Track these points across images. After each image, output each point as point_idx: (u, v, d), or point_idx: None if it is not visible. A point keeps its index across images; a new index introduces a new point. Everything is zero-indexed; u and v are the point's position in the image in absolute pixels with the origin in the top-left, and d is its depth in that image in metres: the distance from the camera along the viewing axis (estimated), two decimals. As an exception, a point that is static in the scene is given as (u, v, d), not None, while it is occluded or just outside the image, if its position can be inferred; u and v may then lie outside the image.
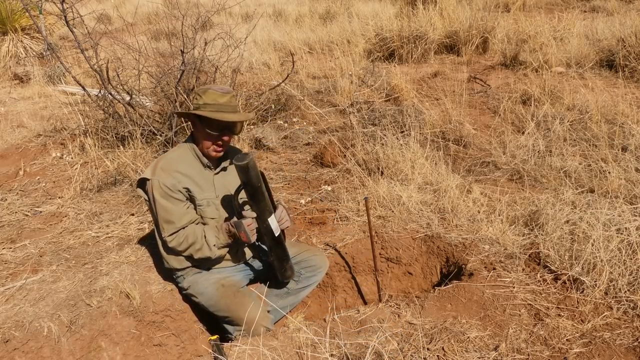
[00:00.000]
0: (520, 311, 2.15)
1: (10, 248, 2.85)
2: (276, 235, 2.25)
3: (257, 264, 2.49)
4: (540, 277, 2.35)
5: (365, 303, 2.79)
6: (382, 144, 3.71)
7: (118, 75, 4.14)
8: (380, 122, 4.36)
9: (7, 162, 4.21)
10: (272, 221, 2.22)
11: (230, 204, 2.30)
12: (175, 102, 3.94)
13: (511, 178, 3.44)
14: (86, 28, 4.18)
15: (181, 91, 3.98)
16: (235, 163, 2.06)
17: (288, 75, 4.94)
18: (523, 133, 4.02)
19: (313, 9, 10.71)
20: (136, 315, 2.34)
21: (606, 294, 2.19)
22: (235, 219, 2.22)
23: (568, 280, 2.28)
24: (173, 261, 2.31)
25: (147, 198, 2.26)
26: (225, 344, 2.12)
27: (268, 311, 2.36)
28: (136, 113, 4.09)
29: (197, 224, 2.27)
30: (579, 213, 2.65)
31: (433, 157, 3.50)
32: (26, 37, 8.25)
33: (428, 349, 1.93)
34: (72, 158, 4.10)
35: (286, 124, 4.72)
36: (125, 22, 6.49)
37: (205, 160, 2.28)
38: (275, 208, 2.31)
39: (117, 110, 4.20)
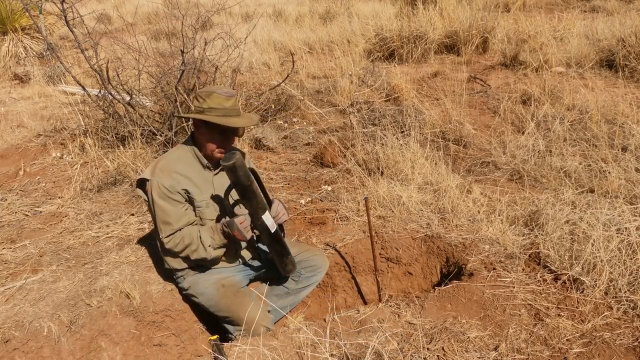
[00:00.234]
0: (520, 311, 2.15)
1: (10, 248, 2.85)
2: (272, 231, 2.22)
3: (257, 264, 2.48)
4: (540, 277, 2.35)
5: (365, 303, 2.79)
6: (382, 144, 3.71)
7: (118, 75, 4.14)
8: (380, 122, 4.36)
9: (7, 162, 4.21)
10: (267, 218, 2.20)
11: (223, 203, 2.29)
12: (175, 102, 3.94)
13: (511, 178, 3.44)
14: (86, 28, 4.18)
15: (181, 91, 3.98)
16: (222, 163, 2.05)
17: (288, 75, 4.94)
18: (523, 133, 4.02)
19: (313, 9, 10.71)
20: (136, 315, 2.34)
21: (606, 294, 2.19)
22: (227, 218, 2.21)
23: (568, 280, 2.28)
24: (172, 262, 2.31)
25: (146, 198, 2.26)
26: (225, 344, 2.12)
27: (268, 311, 2.36)
28: (136, 113, 4.09)
29: (195, 225, 2.27)
30: (579, 213, 2.65)
31: (433, 157, 3.50)
32: (26, 37, 8.25)
33: (428, 349, 1.93)
34: (72, 158, 4.10)
35: (286, 124, 4.72)
36: (125, 22, 6.49)
37: (205, 161, 2.27)
38: (270, 203, 2.30)
39: (117, 110, 4.20)
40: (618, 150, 3.48)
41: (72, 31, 4.01)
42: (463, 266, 2.54)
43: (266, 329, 2.25)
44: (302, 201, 3.26)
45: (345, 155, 3.77)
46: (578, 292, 2.21)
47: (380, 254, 2.82)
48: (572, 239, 2.48)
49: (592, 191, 3.04)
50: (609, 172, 3.09)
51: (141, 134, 3.91)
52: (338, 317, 2.20)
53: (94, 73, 4.10)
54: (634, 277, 2.21)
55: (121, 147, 3.87)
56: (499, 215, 2.83)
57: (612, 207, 2.63)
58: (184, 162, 2.24)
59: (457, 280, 2.44)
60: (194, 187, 2.22)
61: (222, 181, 2.32)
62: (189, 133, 2.38)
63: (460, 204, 3.00)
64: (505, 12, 8.88)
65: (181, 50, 4.03)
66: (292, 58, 5.26)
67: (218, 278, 2.32)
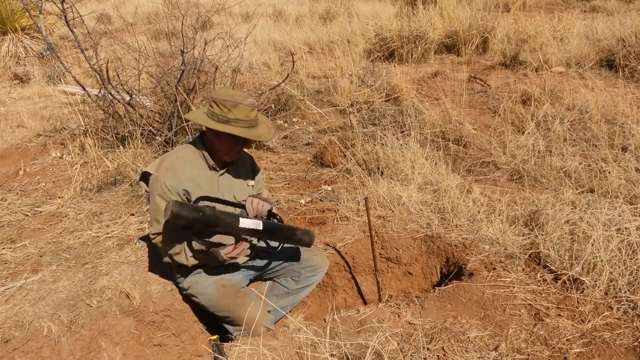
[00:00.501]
0: (520, 311, 2.15)
1: (10, 248, 2.85)
2: (260, 228, 2.16)
3: (258, 263, 2.48)
4: (540, 277, 2.35)
5: (365, 303, 2.79)
6: (382, 144, 3.71)
7: (118, 75, 4.14)
8: (380, 122, 4.36)
9: (7, 162, 4.21)
10: (245, 222, 2.13)
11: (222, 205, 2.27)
12: (175, 102, 3.94)
13: (511, 178, 3.44)
14: (86, 28, 4.18)
15: (181, 91, 3.98)
16: (164, 217, 2.01)
17: (288, 75, 4.94)
18: (523, 133, 4.02)
19: (313, 9, 10.71)
20: (136, 315, 2.34)
21: (606, 294, 2.19)
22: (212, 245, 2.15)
23: (568, 280, 2.28)
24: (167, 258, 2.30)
25: (147, 189, 2.26)
26: (225, 344, 2.12)
27: (268, 311, 2.37)
28: (136, 113, 4.09)
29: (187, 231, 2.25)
30: (579, 213, 2.65)
31: (433, 157, 3.49)
32: (26, 37, 8.25)
33: (428, 349, 1.93)
34: (72, 158, 4.10)
35: (286, 124, 4.72)
36: (125, 22, 6.49)
37: (212, 162, 2.26)
38: (243, 205, 2.24)
39: (117, 110, 4.20)
40: (618, 150, 3.48)
41: (72, 31, 4.01)
42: (463, 266, 2.54)
43: (266, 329, 2.25)
44: (302, 201, 3.26)
45: (345, 155, 3.77)
46: (578, 292, 2.21)
47: (380, 254, 2.82)
48: (572, 239, 2.48)
49: (592, 191, 3.04)
50: (609, 172, 3.09)
51: (141, 134, 3.91)
52: (338, 317, 2.20)
53: (94, 73, 4.10)
54: (634, 277, 2.21)
55: (121, 147, 3.87)
56: (499, 215, 2.83)
57: (612, 207, 2.63)
58: (190, 162, 2.23)
59: (457, 280, 2.44)
60: (196, 188, 2.21)
61: (227, 181, 2.32)
62: (197, 134, 2.36)
63: (460, 204, 3.00)
64: (505, 12, 8.89)
65: (181, 50, 4.03)
66: (292, 58, 5.27)
67: (218, 278, 2.31)
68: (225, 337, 2.32)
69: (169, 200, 2.01)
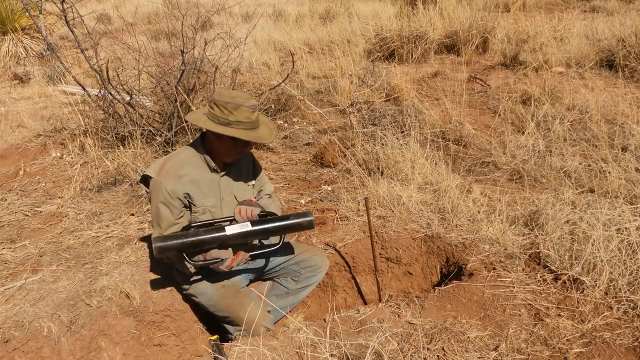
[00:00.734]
0: (520, 311, 2.15)
1: (10, 248, 2.85)
2: (250, 228, 2.13)
3: (258, 263, 2.48)
4: (540, 277, 2.35)
5: (365, 303, 2.79)
6: (382, 144, 3.71)
7: (118, 75, 4.14)
8: (380, 122, 4.36)
9: (7, 162, 4.21)
10: (232, 229, 2.10)
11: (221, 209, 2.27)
12: (175, 102, 3.94)
13: (511, 178, 3.44)
14: (86, 28, 4.18)
15: (181, 91, 3.98)
16: (156, 256, 2.02)
17: (288, 75, 4.94)
18: (523, 133, 4.02)
19: (313, 9, 10.71)
20: (136, 315, 2.34)
21: (606, 294, 2.19)
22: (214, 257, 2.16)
23: (568, 280, 2.28)
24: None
25: (147, 191, 2.26)
26: (225, 344, 2.12)
27: (268, 311, 2.36)
28: (136, 113, 4.09)
29: None
30: (579, 213, 2.65)
31: (433, 157, 3.50)
32: (26, 37, 8.25)
33: (428, 349, 1.93)
34: (72, 158, 4.10)
35: (286, 124, 4.72)
36: (125, 22, 6.48)
37: (213, 164, 2.25)
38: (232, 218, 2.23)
39: (117, 110, 4.20)
40: (618, 150, 3.48)
41: (72, 31, 4.01)
42: (463, 266, 2.54)
43: (266, 329, 2.25)
44: (302, 201, 3.26)
45: (345, 155, 3.77)
46: (578, 292, 2.21)
47: (380, 254, 2.82)
48: (572, 239, 2.48)
49: (592, 191, 3.04)
50: (609, 172, 3.09)
51: (141, 134, 3.91)
52: (338, 317, 2.20)
53: (94, 73, 4.10)
54: (634, 277, 2.21)
55: (121, 147, 3.87)
56: (499, 215, 2.83)
57: (612, 207, 2.63)
58: (191, 165, 2.21)
59: (457, 280, 2.44)
60: (198, 190, 2.20)
61: (228, 182, 2.31)
62: (198, 135, 2.35)
63: (460, 204, 3.00)
64: (505, 12, 8.89)
65: (181, 50, 4.03)
66: (292, 58, 5.27)
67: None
68: (225, 337, 2.32)
69: (152, 239, 2.00)
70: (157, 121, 4.24)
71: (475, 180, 3.40)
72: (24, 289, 2.44)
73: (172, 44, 5.43)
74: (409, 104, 4.80)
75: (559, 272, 2.33)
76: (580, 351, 1.90)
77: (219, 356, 1.96)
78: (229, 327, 2.31)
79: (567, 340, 1.96)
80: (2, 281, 2.52)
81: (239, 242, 2.17)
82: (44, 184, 3.72)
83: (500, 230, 2.71)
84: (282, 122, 4.74)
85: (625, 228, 2.40)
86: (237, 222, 2.19)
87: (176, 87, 3.96)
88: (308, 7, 10.86)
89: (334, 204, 3.21)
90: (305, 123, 4.78)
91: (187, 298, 2.42)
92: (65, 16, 3.90)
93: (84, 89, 4.31)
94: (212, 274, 2.30)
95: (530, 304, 2.18)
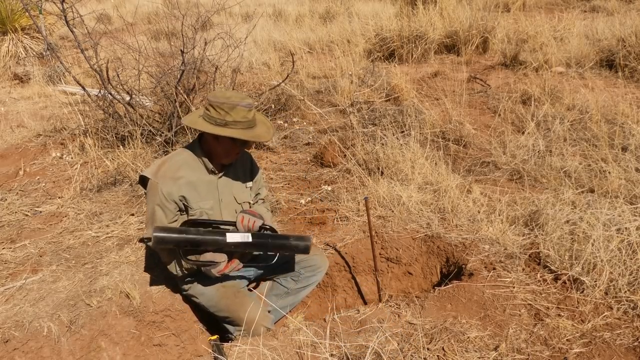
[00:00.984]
0: (520, 311, 2.15)
1: (10, 248, 2.85)
2: (249, 240, 2.14)
3: (248, 273, 2.48)
4: (540, 277, 2.35)
5: (365, 303, 2.79)
6: (382, 144, 3.71)
7: (118, 75, 4.14)
8: (380, 122, 4.36)
9: (7, 162, 4.21)
10: (232, 237, 2.10)
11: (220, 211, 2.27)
12: (175, 102, 3.94)
13: (511, 178, 3.44)
14: (86, 28, 4.18)
15: (181, 91, 3.98)
16: (152, 247, 2.01)
17: (288, 75, 4.94)
18: (523, 133, 4.02)
19: (313, 8, 10.70)
20: (136, 315, 2.34)
21: (606, 294, 2.19)
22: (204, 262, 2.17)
23: (568, 280, 2.28)
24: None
25: (145, 192, 2.26)
26: (225, 344, 2.12)
27: (268, 311, 2.36)
28: (136, 113, 4.09)
29: None
30: (579, 213, 2.65)
31: (433, 157, 3.49)
32: (26, 37, 8.25)
33: (428, 349, 1.93)
34: (72, 158, 4.10)
35: (286, 124, 4.72)
36: (125, 22, 6.49)
37: (211, 166, 2.24)
38: (234, 223, 2.23)
39: (117, 110, 4.20)
40: (618, 150, 3.48)
41: (72, 31, 4.01)
42: (463, 266, 2.54)
43: (266, 329, 2.25)
44: (302, 201, 3.26)
45: (345, 155, 3.77)
46: (578, 292, 2.21)
47: (380, 254, 2.82)
48: (572, 239, 2.48)
49: (592, 191, 3.04)
50: (609, 172, 3.09)
51: (141, 134, 3.91)
52: (338, 317, 2.20)
53: (94, 73, 4.10)
54: (634, 277, 2.21)
55: (121, 147, 3.87)
56: (499, 215, 2.83)
57: (612, 207, 2.63)
58: (189, 167, 2.21)
59: (457, 280, 2.44)
60: (194, 193, 2.20)
61: (226, 184, 2.31)
62: (196, 136, 2.34)
63: (460, 204, 3.00)
64: (505, 12, 8.89)
65: (181, 50, 4.03)
66: (292, 58, 5.27)
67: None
68: (225, 337, 2.32)
69: (154, 227, 2.00)
70: (157, 121, 4.24)
71: (475, 180, 3.40)
72: (24, 289, 2.44)
73: (172, 44, 5.43)
74: (409, 104, 4.80)
75: (559, 272, 2.33)
76: (580, 351, 1.90)
77: (219, 356, 1.96)
78: (229, 327, 2.31)
79: (567, 340, 1.96)
80: (2, 281, 2.52)
81: (235, 251, 2.18)
82: (44, 184, 3.72)
83: (500, 230, 2.71)
84: (282, 122, 4.74)
85: (625, 228, 2.40)
86: (237, 229, 2.19)
87: (176, 87, 3.96)
88: (308, 7, 10.86)
89: (334, 204, 3.21)
90: (305, 123, 4.78)
91: (187, 298, 2.42)
92: (65, 16, 3.90)
93: (84, 89, 4.31)
94: (201, 278, 2.30)
95: (530, 304, 2.18)
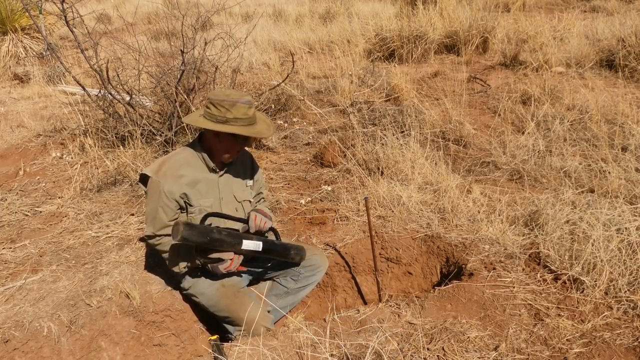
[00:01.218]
0: (520, 311, 2.15)
1: (10, 248, 2.85)
2: (260, 249, 2.21)
3: (246, 274, 2.49)
4: (540, 277, 2.35)
5: (365, 303, 2.79)
6: (382, 144, 3.71)
7: (118, 75, 4.14)
8: (380, 122, 4.36)
9: (7, 162, 4.21)
10: (247, 244, 2.17)
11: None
12: (175, 102, 3.94)
13: (511, 178, 3.44)
14: (86, 28, 4.18)
15: (181, 91, 3.98)
16: (174, 240, 2.03)
17: (288, 75, 4.94)
18: (523, 133, 4.02)
19: (313, 9, 10.71)
20: (136, 315, 2.34)
21: (606, 294, 2.19)
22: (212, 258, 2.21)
23: (568, 280, 2.28)
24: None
25: (145, 190, 2.27)
26: (225, 344, 2.12)
27: (268, 311, 2.36)
28: (136, 113, 4.09)
29: None
30: (579, 213, 2.65)
31: (433, 157, 3.49)
32: (26, 37, 8.25)
33: (428, 349, 1.93)
34: (72, 158, 4.10)
35: (286, 124, 4.72)
36: (125, 22, 6.49)
37: (212, 164, 2.25)
38: (246, 219, 2.29)
39: (117, 110, 4.20)
40: (618, 150, 3.48)
41: (72, 31, 4.01)
42: (463, 266, 2.54)
43: (266, 329, 2.25)
44: (302, 201, 3.26)
45: (345, 155, 3.77)
46: (578, 292, 2.21)
47: (380, 254, 2.82)
48: (572, 238, 2.48)
49: (592, 191, 3.04)
50: (609, 172, 3.09)
51: (141, 134, 3.91)
52: (338, 317, 2.20)
53: (94, 73, 4.10)
54: (634, 277, 2.21)
55: (121, 147, 3.87)
56: (499, 215, 2.83)
57: (612, 207, 2.63)
58: (190, 166, 2.22)
59: (457, 280, 2.44)
60: (195, 191, 2.21)
61: (227, 182, 2.32)
62: (197, 136, 2.35)
63: (460, 204, 3.00)
64: (505, 12, 8.89)
65: (181, 50, 4.03)
66: (292, 58, 5.27)
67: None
68: (225, 337, 2.32)
69: (178, 222, 2.01)
70: (157, 121, 4.24)
71: (475, 180, 3.40)
72: (24, 289, 2.44)
73: (172, 44, 5.43)
74: (409, 104, 4.80)
75: (559, 272, 2.33)
76: (580, 351, 1.90)
77: (219, 356, 1.96)
78: (229, 327, 2.31)
79: (567, 340, 1.96)
80: (2, 281, 2.52)
81: (241, 253, 2.24)
82: (44, 184, 3.72)
83: (500, 230, 2.71)
84: (282, 122, 4.74)
85: (625, 228, 2.40)
86: (249, 226, 2.27)
87: (176, 87, 3.96)
88: (308, 7, 10.86)
89: (334, 204, 3.21)
90: (305, 123, 4.78)
91: (187, 298, 2.42)
92: (65, 16, 3.89)
93: (84, 89, 4.31)
94: (206, 274, 2.31)
95: (530, 304, 2.18)
